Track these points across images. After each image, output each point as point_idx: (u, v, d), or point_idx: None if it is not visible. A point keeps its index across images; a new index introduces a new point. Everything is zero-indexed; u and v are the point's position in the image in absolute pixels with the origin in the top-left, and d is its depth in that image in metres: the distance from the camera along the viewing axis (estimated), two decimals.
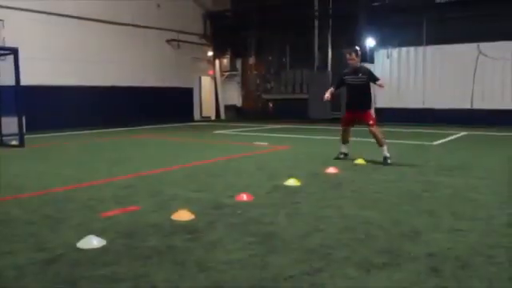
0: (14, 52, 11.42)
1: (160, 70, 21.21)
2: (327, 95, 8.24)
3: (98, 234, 3.78)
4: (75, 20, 18.01)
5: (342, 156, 8.34)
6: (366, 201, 5.13)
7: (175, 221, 4.28)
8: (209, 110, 24.37)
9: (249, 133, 15.17)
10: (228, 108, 24.36)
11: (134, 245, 3.63)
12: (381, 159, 7.85)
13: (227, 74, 24.40)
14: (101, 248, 3.56)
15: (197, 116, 23.63)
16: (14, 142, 11.37)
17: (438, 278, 2.95)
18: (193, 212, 4.46)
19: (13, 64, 11.38)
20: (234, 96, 24.55)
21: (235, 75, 24.50)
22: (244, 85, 24.55)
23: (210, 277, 3.00)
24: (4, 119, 11.81)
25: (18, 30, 15.94)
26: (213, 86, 24.45)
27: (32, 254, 3.48)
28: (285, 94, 22.79)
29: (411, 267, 3.13)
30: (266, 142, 11.54)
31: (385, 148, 7.86)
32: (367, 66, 19.22)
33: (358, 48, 8.23)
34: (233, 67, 24.32)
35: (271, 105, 23.29)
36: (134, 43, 20.18)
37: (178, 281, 2.94)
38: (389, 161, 7.75)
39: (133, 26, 20.05)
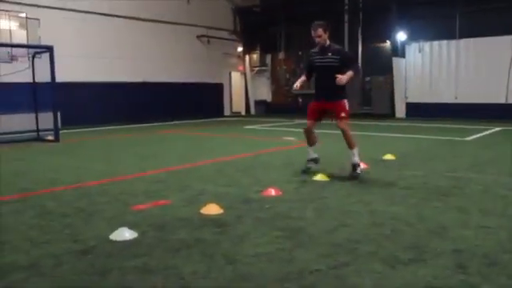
0: (50, 50, 11.76)
1: (190, 66, 21.42)
2: (296, 84, 6.66)
3: (130, 227, 3.90)
4: (108, 17, 18.35)
5: (310, 165, 6.67)
6: (393, 196, 5.12)
7: (204, 215, 4.38)
8: (239, 106, 24.51)
9: (278, 128, 15.21)
10: (258, 103, 24.42)
11: (164, 237, 3.75)
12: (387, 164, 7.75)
13: (257, 69, 24.44)
14: (132, 240, 3.68)
15: (227, 111, 23.78)
16: (50, 137, 11.72)
17: (464, 274, 2.95)
18: (221, 206, 4.55)
19: (48, 61, 11.73)
20: (263, 91, 24.59)
21: (265, 70, 24.51)
22: (273, 80, 24.55)
23: (238, 269, 3.08)
24: (40, 115, 12.18)
25: (53, 29, 16.35)
26: (243, 81, 24.55)
27: (67, 244, 3.63)
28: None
29: (437, 263, 3.14)
30: (294, 138, 11.56)
31: (355, 151, 6.30)
32: (398, 60, 19.21)
33: (323, 22, 6.42)
34: (262, 62, 24.34)
35: (300, 100, 23.20)
36: (165, 39, 20.42)
37: (206, 273, 3.03)
38: (358, 170, 6.26)
39: (164, 22, 20.29)
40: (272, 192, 5.21)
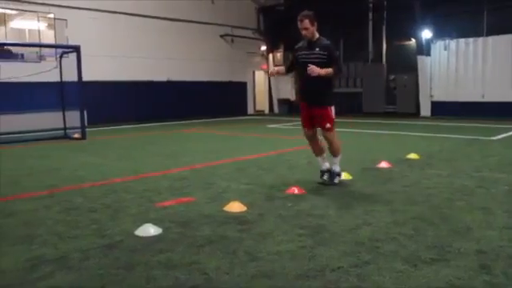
0: (77, 50, 11.99)
1: (214, 65, 21.55)
2: (274, 68, 6.17)
3: (155, 223, 3.99)
4: (133, 17, 18.60)
5: (325, 177, 5.84)
6: (417, 196, 5.09)
7: (227, 212, 4.44)
8: (262, 104, 24.56)
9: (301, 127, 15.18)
10: (281, 102, 24.42)
11: (187, 234, 3.81)
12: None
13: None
14: (157, 236, 3.76)
15: (250, 110, 23.85)
16: (77, 135, 11.96)
17: (487, 275, 2.94)
18: (244, 204, 4.60)
19: (75, 61, 11.97)
20: (287, 90, 24.56)
21: None
22: (297, 79, 24.51)
23: (260, 266, 3.12)
24: (68, 113, 12.44)
25: (80, 29, 16.66)
26: (266, 80, 24.59)
27: (94, 239, 3.73)
28: (338, 88, 22.53)
29: (460, 263, 3.12)
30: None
31: (338, 160, 5.76)
32: (423, 58, 18.99)
33: (309, 12, 5.67)
34: (286, 61, 24.35)
35: None
36: (190, 39, 20.59)
37: (229, 269, 3.08)
38: (336, 180, 5.70)
39: (188, 21, 20.46)
40: (295, 190, 5.23)
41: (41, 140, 11.53)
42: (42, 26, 18.93)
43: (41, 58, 16.80)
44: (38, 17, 18.27)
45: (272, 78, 24.25)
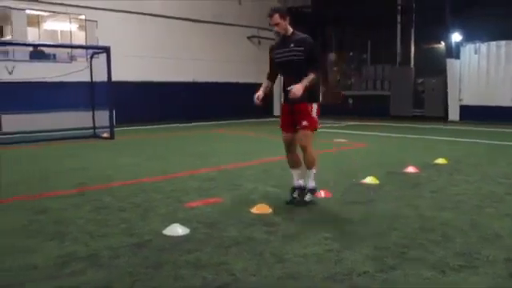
0: (107, 50, 12.21)
1: (241, 66, 21.64)
2: (258, 95, 5.22)
3: (182, 223, 4.04)
4: (162, 19, 18.84)
5: (295, 194, 5.00)
6: (445, 202, 5.04)
7: (254, 213, 4.47)
8: None
9: (327, 129, 15.14)
10: None
11: (215, 234, 3.86)
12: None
13: None
14: (185, 236, 3.82)
15: (276, 111, 23.83)
16: (106, 135, 12.17)
17: None
18: (271, 206, 4.63)
19: (104, 61, 12.19)
20: None
21: None
22: (323, 81, 24.42)
23: (286, 268, 3.15)
24: (97, 113, 12.68)
25: (110, 30, 16.95)
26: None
27: (123, 238, 3.81)
28: (365, 91, 22.45)
29: (489, 271, 3.09)
30: (344, 139, 11.50)
31: (313, 173, 4.94)
32: (452, 62, 18.69)
33: (279, 6, 5.03)
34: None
35: (351, 101, 23.02)
36: (217, 40, 20.73)
37: (256, 270, 3.11)
38: (307, 197, 4.89)
39: (215, 23, 20.62)
40: (322, 194, 5.24)
41: (70, 139, 11.77)
42: (73, 27, 19.34)
43: (72, 58, 17.17)
44: (70, 18, 18.68)
45: None
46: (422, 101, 20.05)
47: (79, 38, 18.56)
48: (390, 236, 3.84)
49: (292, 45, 4.87)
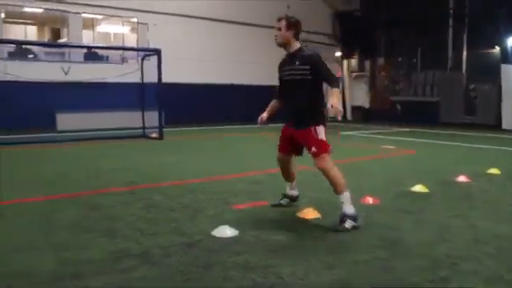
0: (158, 53, 12.49)
1: None
2: (262, 116, 5.08)
3: (231, 225, 4.10)
4: (210, 21, 19.12)
5: (283, 201, 5.01)
6: (499, 213, 4.88)
7: (302, 218, 4.48)
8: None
9: (375, 135, 14.95)
10: (355, 109, 24.09)
11: (263, 237, 3.89)
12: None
13: (355, 74, 24.16)
14: (233, 238, 3.86)
15: None
16: (155, 135, 12.46)
17: None
18: (318, 211, 4.62)
19: (155, 63, 12.48)
20: (361, 97, 24.20)
21: (363, 76, 24.16)
22: (372, 86, 24.11)
23: (334, 274, 3.14)
24: (147, 113, 13.00)
25: (161, 32, 17.34)
26: (340, 86, 24.37)
27: (174, 237, 3.90)
28: (414, 96, 21.98)
29: None
30: (393, 146, 11.32)
31: (345, 197, 4.36)
32: (508, 67, 18.03)
33: (290, 15, 4.72)
34: (361, 68, 24.03)
35: (399, 107, 22.59)
36: (265, 43, 20.81)
37: (304, 275, 3.12)
38: (347, 224, 4.18)
39: (263, 26, 20.72)
40: (370, 200, 5.19)
41: (121, 138, 12.11)
42: (125, 29, 19.93)
43: (123, 60, 17.67)
44: (123, 21, 19.26)
45: (346, 85, 23.97)
46: (474, 108, 19.44)
47: (131, 40, 19.10)
48: (440, 246, 3.76)
49: (297, 62, 4.49)
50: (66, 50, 16.81)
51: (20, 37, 19.16)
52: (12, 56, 16.26)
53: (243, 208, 4.89)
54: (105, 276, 3.09)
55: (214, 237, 3.89)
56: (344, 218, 4.23)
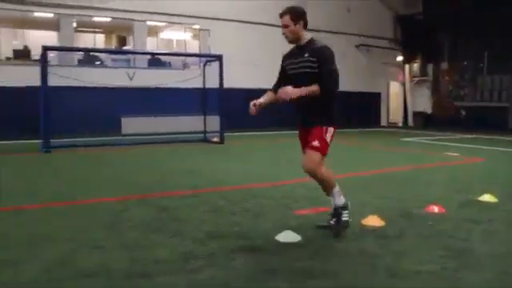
0: (219, 59, 12.73)
1: (348, 75, 21.38)
2: (258, 101, 4.59)
3: (293, 230, 4.11)
4: (270, 27, 19.23)
5: (332, 221, 4.25)
6: None
7: (365, 225, 4.43)
8: (396, 116, 23.88)
9: (438, 142, 14.51)
10: (416, 115, 23.50)
11: (326, 244, 3.89)
12: None
13: (417, 79, 23.58)
14: (296, 243, 3.88)
15: (383, 122, 23.33)
16: (215, 139, 12.69)
17: None
18: (382, 219, 4.56)
19: (216, 69, 12.72)
20: (423, 102, 23.58)
21: (426, 81, 23.53)
22: (435, 91, 23.42)
23: (400, 284, 3.10)
24: (208, 118, 13.26)
25: (222, 38, 17.64)
26: (401, 91, 23.86)
27: (238, 241, 3.96)
28: (480, 102, 21.16)
29: None
30: (456, 153, 10.95)
31: (334, 192, 4.27)
32: None
33: (294, 7, 4.27)
34: (423, 72, 23.40)
35: (464, 113, 21.80)
36: None
37: (369, 283, 3.10)
38: (345, 217, 4.18)
39: (323, 31, 20.62)
40: (435, 209, 5.05)
41: (183, 142, 12.42)
42: (187, 36, 20.43)
43: (185, 65, 18.13)
44: (185, 28, 19.77)
45: (407, 90, 23.42)
46: None
47: (192, 47, 19.57)
48: None
49: (307, 54, 4.16)
50: (131, 56, 17.48)
51: (89, 44, 20.09)
52: (81, 63, 17.08)
53: (305, 213, 4.90)
54: (172, 276, 3.19)
55: (278, 241, 3.92)
56: (339, 210, 4.17)
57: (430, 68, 23.47)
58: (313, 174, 4.15)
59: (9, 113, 14.00)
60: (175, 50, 20.66)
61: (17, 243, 3.89)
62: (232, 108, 16.61)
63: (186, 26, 19.23)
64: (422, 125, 22.63)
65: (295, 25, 4.17)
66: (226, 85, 13.47)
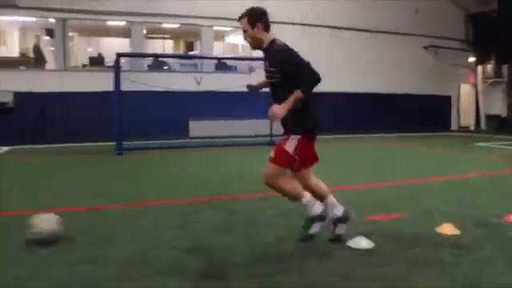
0: None
1: (417, 77, 20.84)
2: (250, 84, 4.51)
3: (365, 236, 4.03)
4: (339, 30, 19.08)
5: (338, 231, 4.05)
6: None
7: (440, 233, 4.27)
8: (467, 120, 22.93)
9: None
10: (490, 118, 22.45)
11: (399, 251, 3.79)
12: None
13: (491, 80, 22.53)
14: (369, 249, 3.80)
15: (454, 126, 22.47)
16: None
17: None
18: (457, 227, 4.38)
19: None
20: (497, 105, 22.50)
21: (500, 82, 22.45)
22: (510, 93, 22.28)
23: None
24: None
25: (288, 42, 17.62)
26: (473, 93, 22.88)
27: (308, 245, 3.92)
28: None
29: None
30: None
31: (306, 200, 3.88)
32: None
33: (251, 9, 3.94)
34: (498, 73, 22.33)
35: None
36: (393, 50, 20.27)
37: None
38: (315, 227, 3.85)
39: (391, 33, 20.20)
40: None
41: (249, 145, 12.53)
42: None
43: (251, 69, 18.28)
44: None
45: (480, 92, 22.45)
46: None
47: (258, 51, 19.68)
48: None
49: (267, 63, 3.87)
50: (199, 61, 17.87)
51: (158, 50, 20.74)
52: (151, 68, 17.66)
53: (376, 219, 4.80)
54: (247, 278, 3.23)
55: (349, 247, 3.86)
56: (309, 222, 3.83)
57: (504, 69, 22.37)
58: (270, 187, 3.90)
59: (85, 116, 14.75)
60: (241, 54, 20.90)
61: (94, 241, 4.07)
62: None
63: None
64: (495, 128, 21.57)
65: (253, 28, 3.85)
66: None
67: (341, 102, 18.63)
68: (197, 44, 20.41)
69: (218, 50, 19.46)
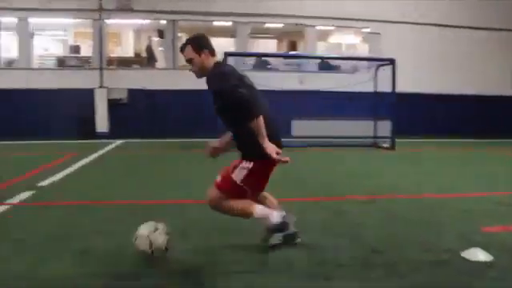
0: (392, 62, 12.41)
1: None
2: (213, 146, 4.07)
3: (481, 248, 3.81)
4: (442, 28, 18.19)
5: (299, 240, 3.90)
6: None
7: None
8: None
9: None
10: None
11: None
12: None
13: None
14: (487, 263, 3.58)
15: None
16: (386, 145, 12.38)
17: None
18: None
19: (387, 73, 12.39)
20: None
21: None
22: None
23: None
24: (379, 123, 12.99)
25: (393, 41, 17.15)
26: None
27: (419, 252, 3.80)
28: None
29: None
30: None
31: (259, 214, 3.71)
32: None
33: (195, 36, 3.73)
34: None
35: None
36: (495, 48, 18.91)
37: None
38: (276, 239, 3.74)
39: (496, 29, 18.85)
40: None
41: (352, 146, 12.35)
42: (356, 39, 20.29)
43: (354, 69, 18.01)
44: (354, 32, 19.66)
45: None
46: None
47: (362, 50, 19.35)
48: None
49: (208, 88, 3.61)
50: (302, 60, 17.93)
51: (262, 49, 21.08)
52: (254, 67, 18.02)
53: (494, 231, 4.50)
54: (355, 282, 3.20)
55: (464, 258, 3.67)
56: (269, 232, 3.71)
57: None
58: (216, 210, 3.75)
59: (190, 113, 15.45)
60: (344, 53, 20.66)
61: (208, 233, 4.24)
62: (404, 113, 16.08)
63: (355, 29, 19.12)
64: None
65: (200, 55, 3.64)
66: (397, 89, 13.05)
67: (440, 103, 17.66)
68: (300, 43, 20.48)
69: (321, 49, 19.37)
